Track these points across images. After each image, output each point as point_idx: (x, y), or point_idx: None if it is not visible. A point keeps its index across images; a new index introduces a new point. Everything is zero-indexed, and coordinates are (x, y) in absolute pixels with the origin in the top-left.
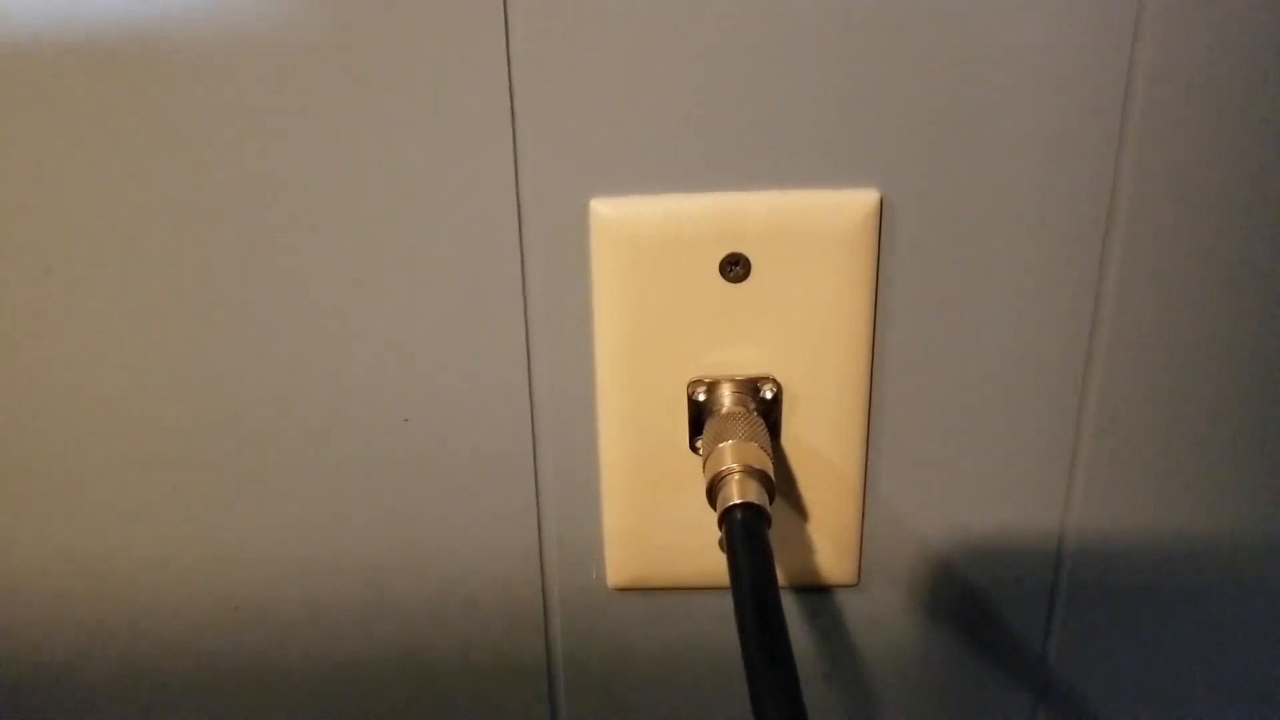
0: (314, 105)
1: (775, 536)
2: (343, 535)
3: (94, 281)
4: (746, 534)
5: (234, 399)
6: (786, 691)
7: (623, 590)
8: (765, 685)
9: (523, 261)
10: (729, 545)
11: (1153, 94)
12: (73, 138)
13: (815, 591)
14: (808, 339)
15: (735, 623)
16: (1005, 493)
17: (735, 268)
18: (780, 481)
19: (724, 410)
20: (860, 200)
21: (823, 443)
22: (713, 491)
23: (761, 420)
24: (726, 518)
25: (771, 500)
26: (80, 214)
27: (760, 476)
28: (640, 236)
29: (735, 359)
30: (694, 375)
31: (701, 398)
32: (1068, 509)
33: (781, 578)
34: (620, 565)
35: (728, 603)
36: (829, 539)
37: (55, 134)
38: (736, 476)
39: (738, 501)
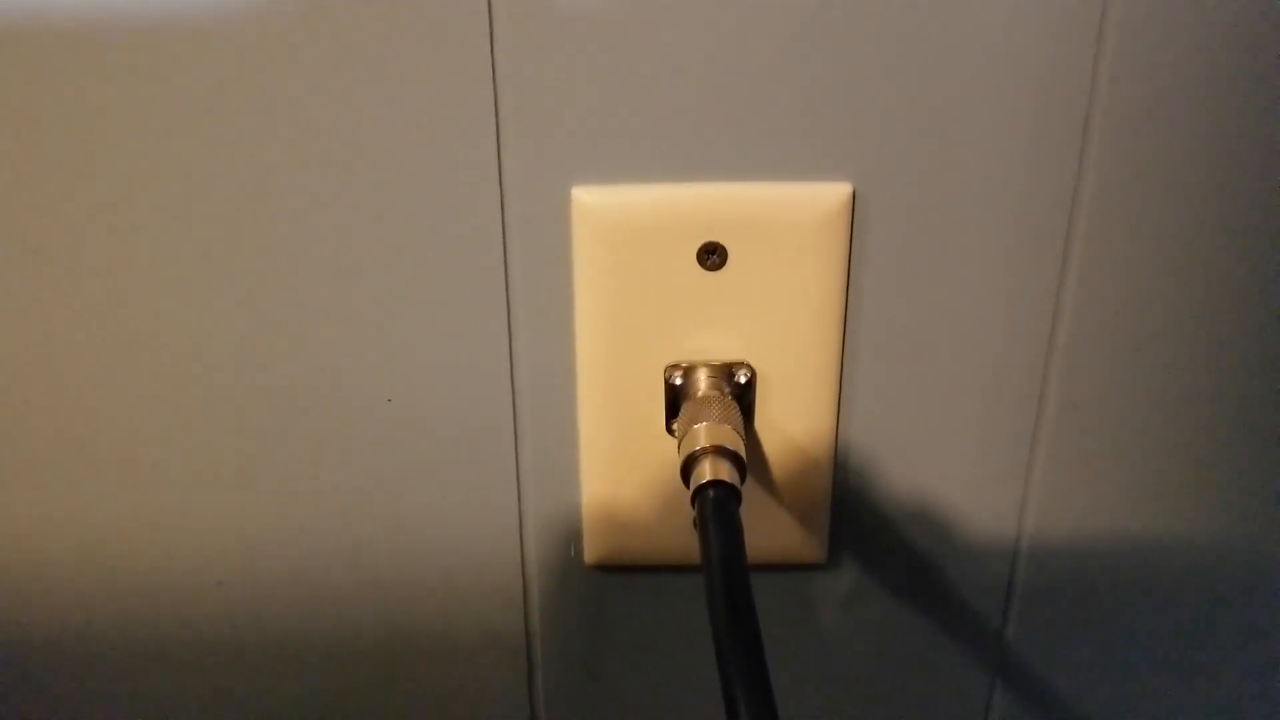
0: (299, 94)
1: (747, 517)
2: (326, 513)
3: (80, 263)
4: (717, 511)
5: (219, 379)
6: (752, 660)
7: (600, 567)
8: (732, 654)
9: (505, 247)
10: (700, 521)
11: (1117, 88)
12: (58, 125)
13: (785, 570)
14: (782, 326)
15: (705, 595)
16: (969, 477)
17: (712, 256)
18: (753, 464)
19: (700, 394)
20: (833, 193)
21: (795, 427)
22: (686, 470)
23: (735, 404)
24: (699, 495)
25: (743, 480)
26: (68, 198)
27: (732, 457)
28: (620, 224)
29: (711, 345)
30: (671, 360)
31: (678, 381)
32: (1028, 493)
33: (752, 557)
34: (598, 543)
35: (701, 580)
36: (800, 519)
37: (39, 121)
38: (709, 456)
39: (710, 480)
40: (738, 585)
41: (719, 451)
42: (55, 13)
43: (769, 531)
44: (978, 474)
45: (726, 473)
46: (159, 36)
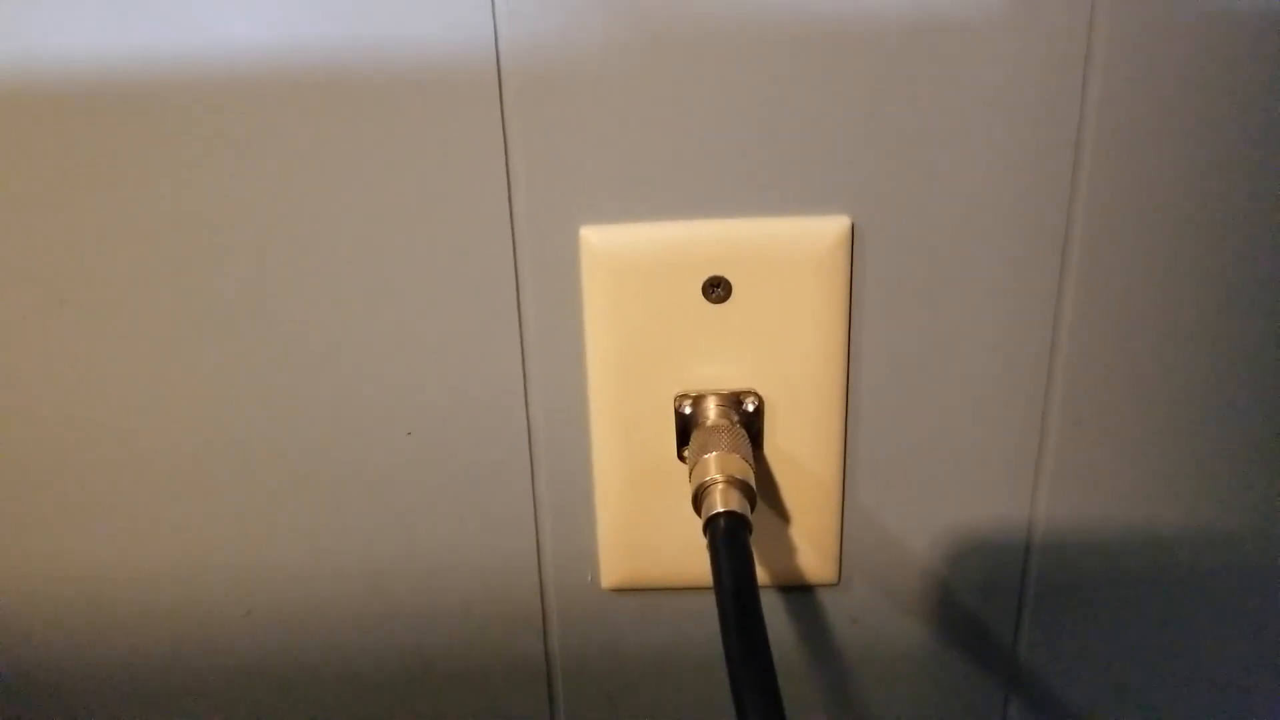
0: (317, 138)
1: (761, 539)
2: (349, 542)
3: (106, 299)
4: (728, 541)
5: (245, 414)
6: (765, 689)
7: (617, 591)
8: (745, 683)
9: (518, 286)
10: (711, 552)
11: (1104, 120)
12: (86, 164)
13: (798, 590)
14: (787, 354)
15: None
16: (976, 494)
17: (717, 289)
18: (764, 488)
19: (709, 422)
20: (832, 226)
21: (803, 451)
22: (698, 501)
23: (744, 431)
24: (710, 526)
25: (753, 508)
26: (91, 234)
27: (742, 486)
28: (628, 262)
29: (719, 374)
30: (680, 390)
31: (688, 410)
32: (1035, 509)
33: (766, 578)
34: (614, 568)
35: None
36: (810, 541)
37: (67, 161)
38: (720, 487)
39: (720, 510)
40: (749, 615)
41: (729, 481)
42: (86, 71)
43: (782, 553)
44: (984, 491)
45: (736, 502)
46: (181, 96)
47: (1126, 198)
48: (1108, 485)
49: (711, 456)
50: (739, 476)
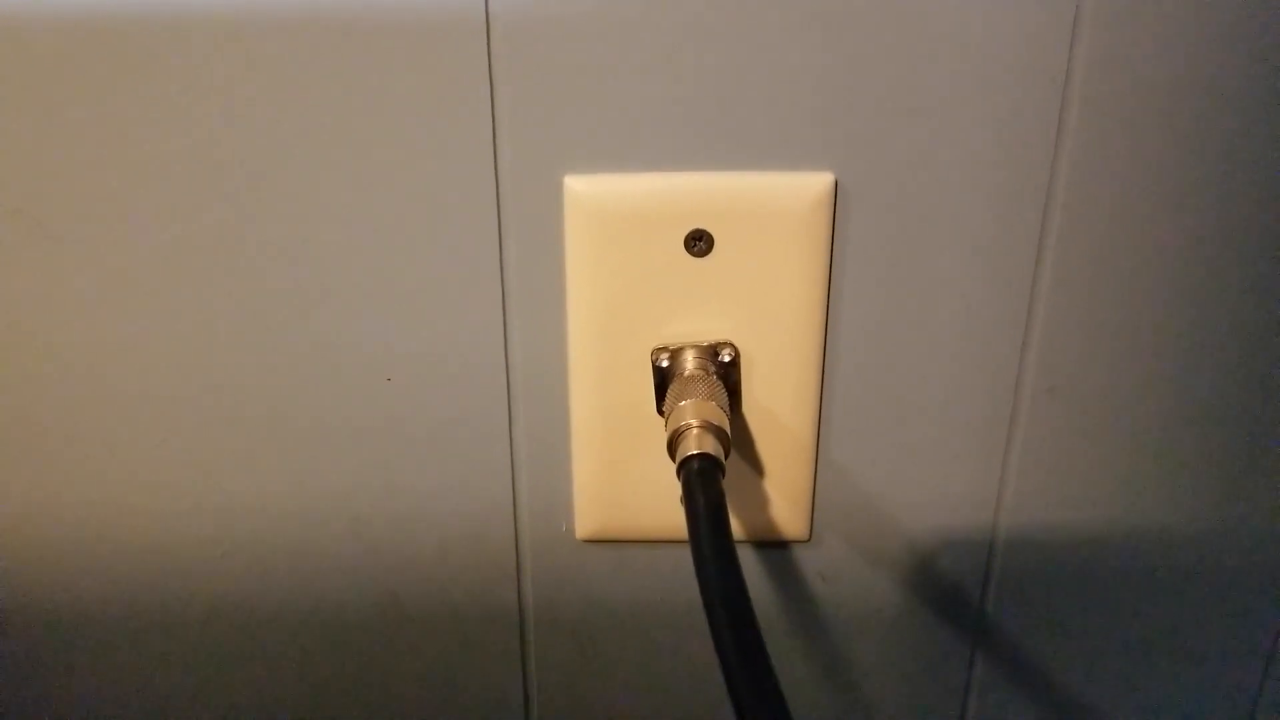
0: (300, 82)
1: (734, 494)
2: (327, 486)
3: (87, 245)
4: (702, 480)
5: (226, 356)
6: (740, 614)
7: (591, 542)
8: (721, 605)
9: (500, 233)
10: (685, 491)
11: (1090, 84)
12: (70, 98)
13: (770, 546)
14: (766, 310)
15: (692, 561)
16: (948, 455)
17: (699, 243)
18: (738, 442)
19: (686, 373)
20: (816, 182)
21: (779, 406)
22: (673, 445)
23: (721, 383)
24: (684, 467)
25: (727, 455)
26: (76, 168)
27: (717, 432)
28: (611, 212)
29: (698, 328)
30: (659, 342)
31: (665, 363)
32: (1006, 472)
33: (738, 532)
34: (589, 518)
35: (687, 553)
36: (783, 496)
37: (50, 95)
38: (695, 431)
39: (695, 452)
40: (723, 545)
41: (704, 426)
42: (71, 3)
43: (754, 508)
44: (957, 453)
45: (711, 445)
46: (167, 31)
47: (1110, 164)
48: (1078, 451)
49: (688, 403)
50: (714, 422)
